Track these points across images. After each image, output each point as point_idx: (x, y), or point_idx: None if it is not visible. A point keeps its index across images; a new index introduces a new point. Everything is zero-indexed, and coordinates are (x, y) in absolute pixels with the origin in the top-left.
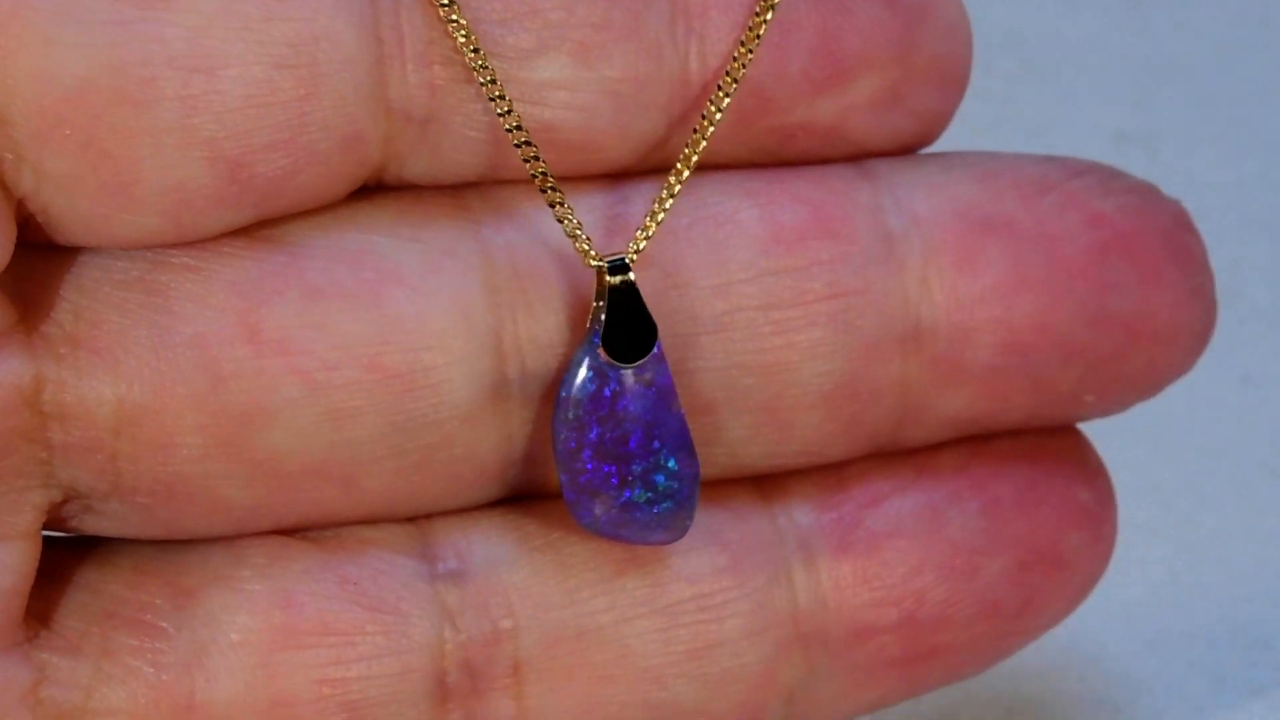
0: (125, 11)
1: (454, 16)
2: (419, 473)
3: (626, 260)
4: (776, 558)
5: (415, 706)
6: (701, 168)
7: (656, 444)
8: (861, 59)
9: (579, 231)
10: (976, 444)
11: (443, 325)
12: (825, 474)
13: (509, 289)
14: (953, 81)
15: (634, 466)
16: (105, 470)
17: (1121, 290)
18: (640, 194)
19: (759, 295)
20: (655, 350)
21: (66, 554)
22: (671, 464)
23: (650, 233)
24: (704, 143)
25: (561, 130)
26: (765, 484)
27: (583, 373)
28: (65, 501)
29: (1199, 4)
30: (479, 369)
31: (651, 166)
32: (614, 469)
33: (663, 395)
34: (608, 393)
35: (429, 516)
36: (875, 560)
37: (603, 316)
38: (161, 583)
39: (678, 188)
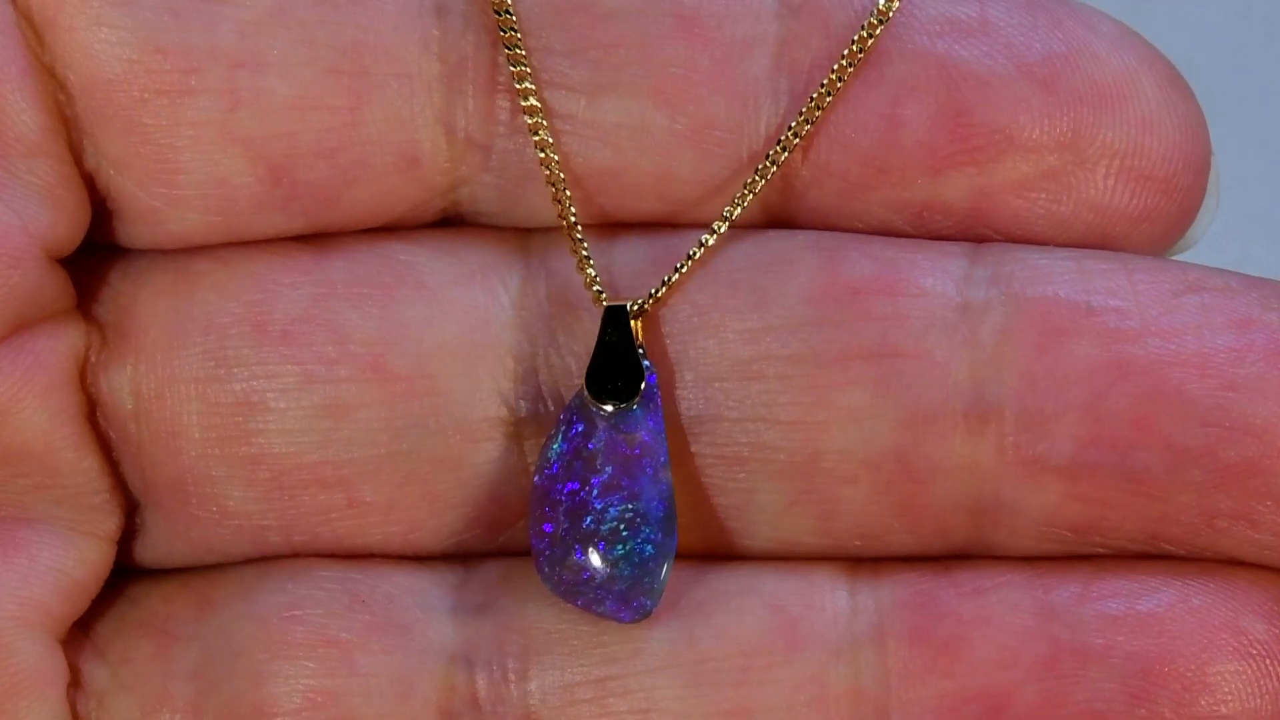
0: (179, 2)
1: (514, 44)
2: (425, 489)
3: (628, 305)
4: (842, 633)
5: None
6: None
7: (628, 509)
8: (1002, 137)
9: (590, 272)
10: (1127, 560)
11: (453, 336)
12: (933, 564)
13: (540, 317)
14: (1149, 180)
15: (595, 527)
16: (136, 466)
17: (1257, 396)
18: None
19: (794, 345)
20: (643, 399)
21: (127, 575)
22: (641, 534)
23: (670, 281)
24: (748, 198)
25: (629, 174)
26: (860, 565)
27: (565, 414)
28: (130, 516)
29: (1199, 4)
30: (490, 387)
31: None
32: (572, 526)
33: (645, 456)
34: (581, 439)
35: (475, 557)
36: (955, 649)
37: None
38: (192, 596)
39: (711, 240)
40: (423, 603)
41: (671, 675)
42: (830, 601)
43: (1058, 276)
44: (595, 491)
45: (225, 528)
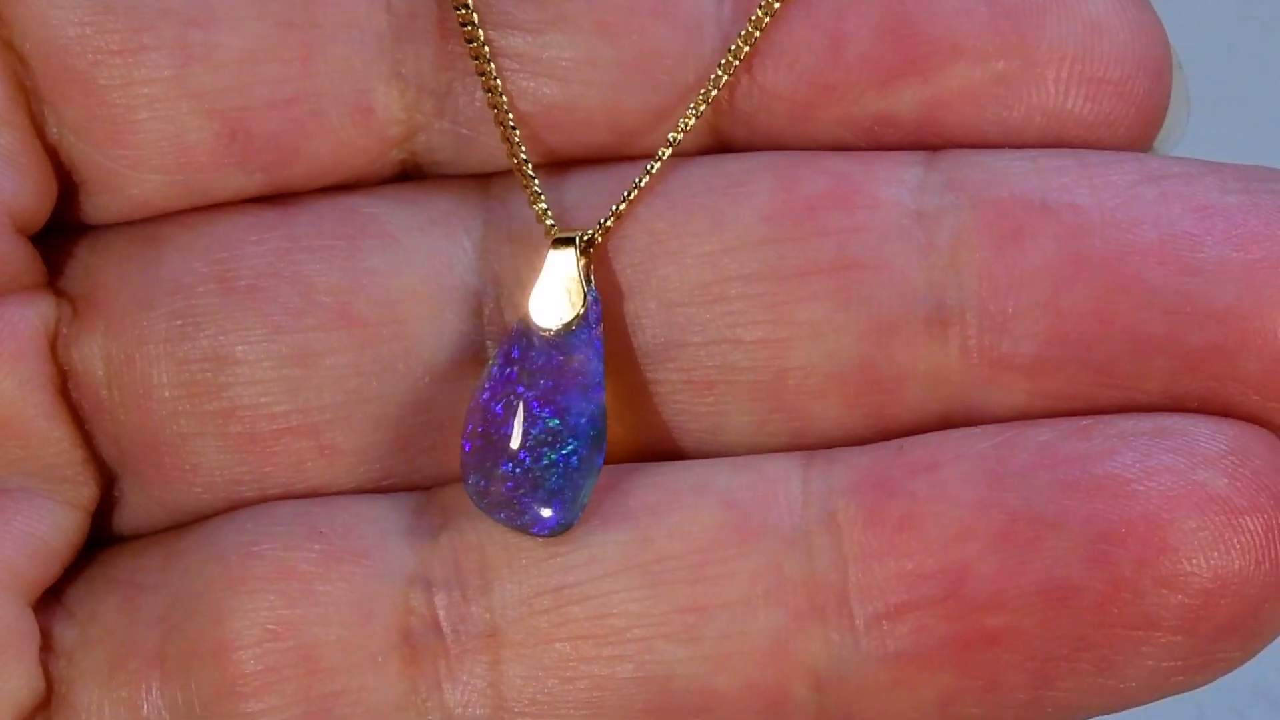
0: None
1: None
2: (396, 433)
3: (576, 235)
4: (795, 521)
5: (378, 662)
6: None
7: (555, 422)
8: (947, 45)
9: (541, 206)
10: (1083, 420)
11: (418, 281)
12: (887, 444)
13: (504, 258)
14: (1102, 83)
15: (522, 439)
16: (111, 434)
17: (1221, 280)
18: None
19: (753, 264)
20: (583, 322)
21: (99, 544)
22: (567, 446)
23: (618, 210)
24: (692, 123)
25: (579, 108)
26: (816, 453)
27: (508, 338)
28: (107, 487)
29: (1199, 4)
30: (456, 329)
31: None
32: (502, 436)
33: (580, 375)
34: (516, 354)
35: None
36: (910, 527)
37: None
38: (162, 550)
39: (655, 167)
40: (379, 529)
41: (627, 578)
42: (783, 491)
43: (1013, 177)
44: (525, 405)
45: (199, 485)
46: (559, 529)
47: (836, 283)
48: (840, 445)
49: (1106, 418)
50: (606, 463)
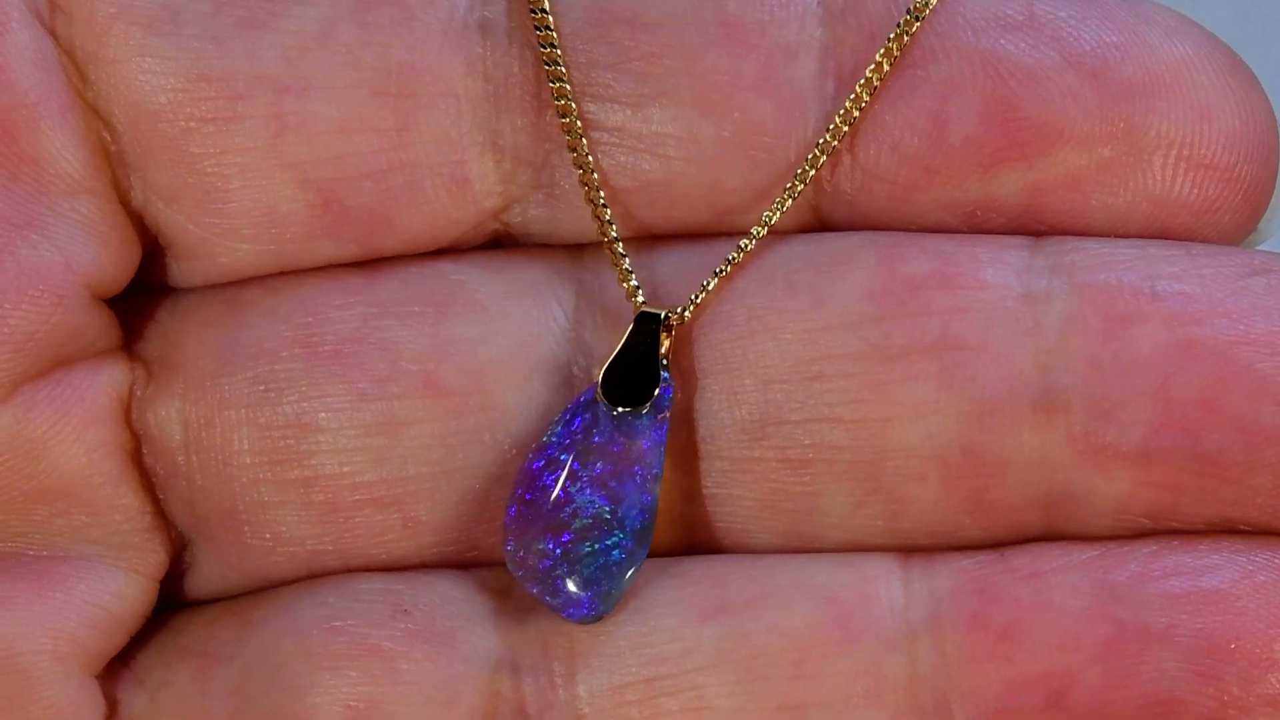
0: (222, 28)
1: (554, 59)
2: (481, 506)
3: (661, 313)
4: (897, 622)
5: None
6: None
7: (606, 510)
8: (1052, 130)
9: (633, 284)
10: (1199, 535)
11: (506, 350)
12: (988, 549)
13: (595, 330)
14: (1209, 169)
15: (567, 519)
16: (186, 499)
17: None
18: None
19: (854, 342)
20: (652, 407)
21: (170, 609)
22: (612, 537)
23: (708, 287)
24: (787, 204)
25: (677, 185)
26: (914, 553)
27: (572, 405)
28: (178, 552)
29: (1200, 5)
30: (545, 400)
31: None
32: (548, 511)
33: (638, 464)
34: (578, 426)
35: None
36: (1015, 633)
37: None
38: (234, 618)
39: (750, 245)
40: (466, 610)
41: (723, 672)
42: (885, 591)
43: (1120, 263)
44: (579, 485)
45: (279, 555)
46: (590, 619)
47: (940, 363)
48: (938, 530)
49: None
50: (699, 549)
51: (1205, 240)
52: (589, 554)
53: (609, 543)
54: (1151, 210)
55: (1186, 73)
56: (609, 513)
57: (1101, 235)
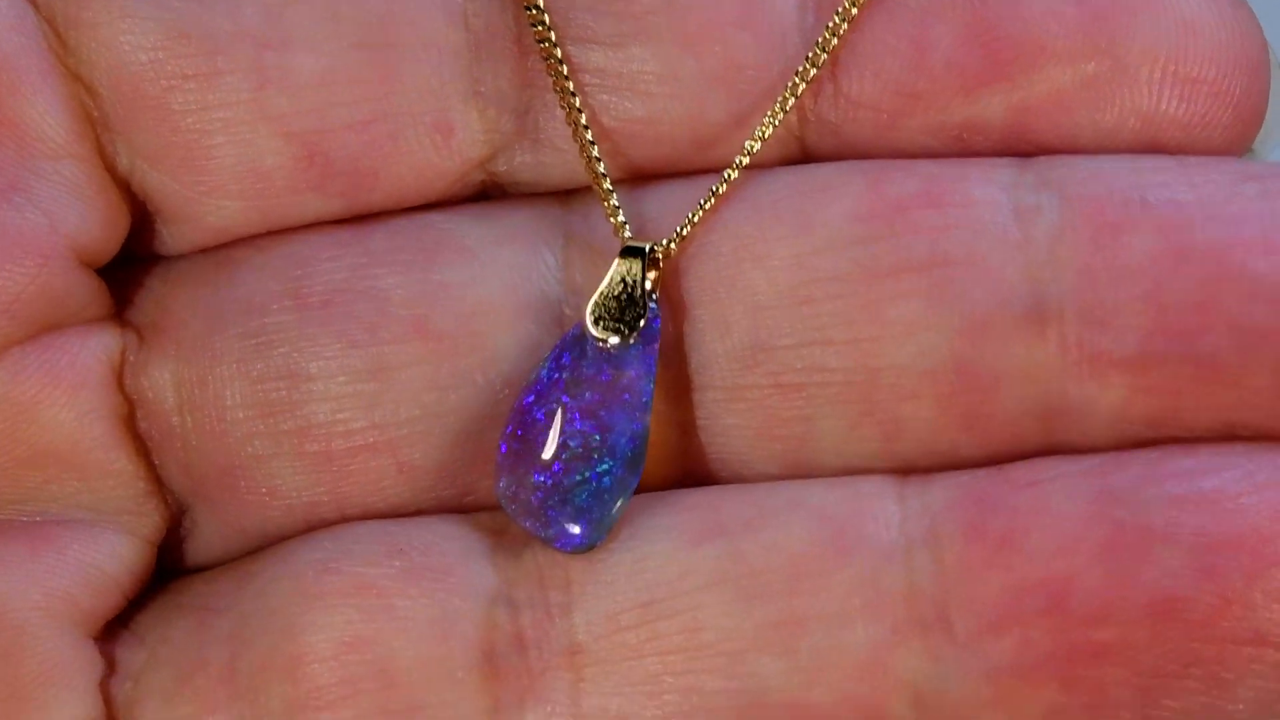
0: None
1: (534, 3)
2: (475, 448)
3: (646, 246)
4: (892, 535)
5: (458, 678)
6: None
7: (595, 438)
8: (1034, 48)
9: (620, 219)
10: (1188, 443)
11: (495, 293)
12: (985, 465)
13: (586, 269)
14: (1197, 84)
15: (559, 449)
16: (182, 460)
17: None
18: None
19: (842, 264)
20: (640, 338)
21: (170, 575)
22: (603, 464)
23: (693, 220)
24: (768, 133)
25: (662, 122)
26: (911, 473)
27: (561, 341)
28: (177, 519)
29: None
30: (537, 339)
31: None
32: (538, 444)
33: (628, 393)
34: (567, 360)
35: None
36: (1014, 540)
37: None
38: (235, 574)
39: (733, 175)
40: (462, 548)
41: (719, 591)
42: (880, 507)
43: (1109, 175)
44: (568, 416)
45: (276, 509)
46: (583, 547)
47: (929, 280)
48: (935, 449)
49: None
50: (696, 480)
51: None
52: (579, 483)
53: (599, 470)
54: (1140, 127)
55: None
56: (598, 441)
57: (1090, 154)
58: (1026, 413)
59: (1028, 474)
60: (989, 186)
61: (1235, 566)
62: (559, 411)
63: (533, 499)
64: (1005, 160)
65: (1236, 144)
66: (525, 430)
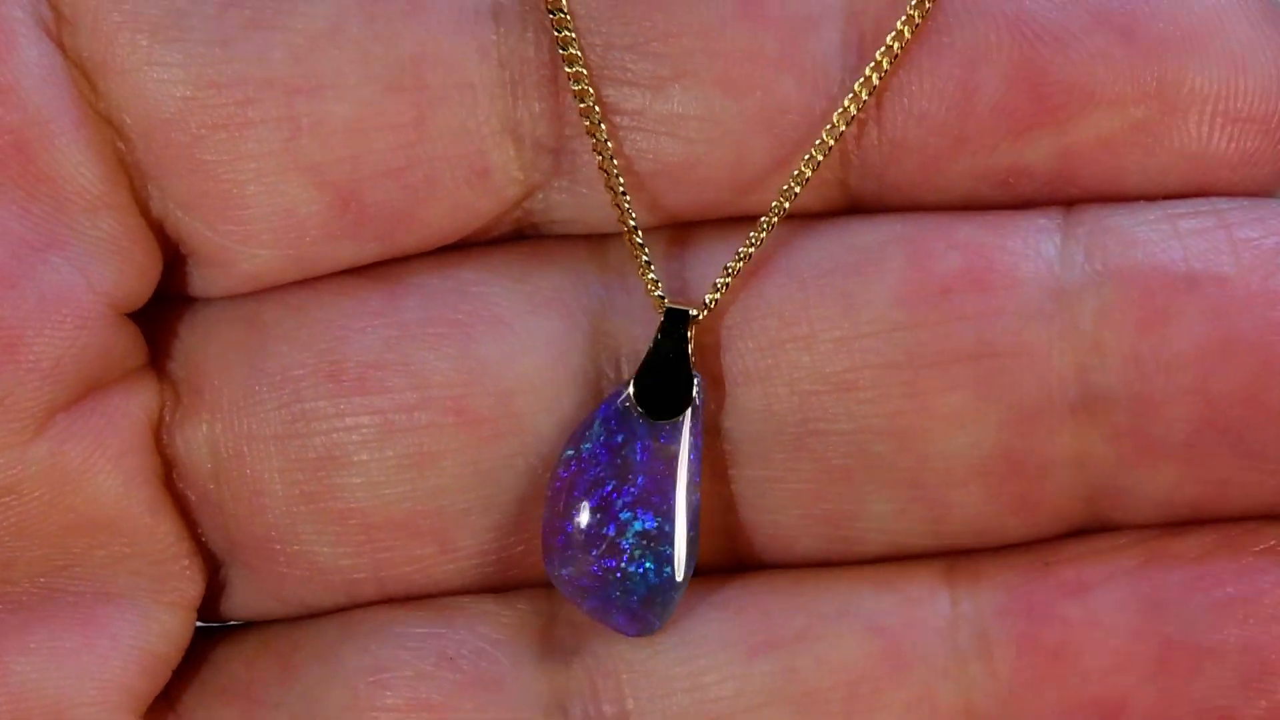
0: (229, 31)
1: (569, 43)
2: (519, 532)
3: (689, 311)
4: (947, 648)
5: None
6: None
7: (655, 525)
8: (1082, 92)
9: (652, 277)
10: (1232, 530)
11: (535, 370)
12: (1029, 553)
13: (616, 339)
14: (1245, 122)
15: (619, 537)
16: (219, 526)
17: None
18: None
19: (889, 351)
20: (690, 413)
21: (204, 639)
22: (665, 548)
23: (728, 281)
24: (805, 180)
25: (701, 166)
26: (958, 562)
27: (602, 413)
28: (212, 576)
29: None
30: (574, 417)
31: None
32: (596, 530)
33: (679, 471)
34: (616, 443)
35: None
36: (1067, 655)
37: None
38: (275, 658)
39: (763, 236)
40: (511, 653)
41: (775, 712)
42: (931, 614)
43: (1153, 245)
44: (626, 501)
45: (315, 582)
46: (645, 632)
47: (977, 371)
48: (982, 530)
49: (1251, 526)
50: (738, 556)
51: (1240, 194)
52: (645, 572)
53: (662, 553)
54: (1189, 168)
55: (1219, 23)
56: (657, 524)
57: (1137, 198)
58: (1074, 497)
59: (1076, 576)
60: (1034, 262)
61: (1277, 678)
62: (615, 493)
63: (595, 585)
64: (1048, 220)
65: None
66: (577, 511)
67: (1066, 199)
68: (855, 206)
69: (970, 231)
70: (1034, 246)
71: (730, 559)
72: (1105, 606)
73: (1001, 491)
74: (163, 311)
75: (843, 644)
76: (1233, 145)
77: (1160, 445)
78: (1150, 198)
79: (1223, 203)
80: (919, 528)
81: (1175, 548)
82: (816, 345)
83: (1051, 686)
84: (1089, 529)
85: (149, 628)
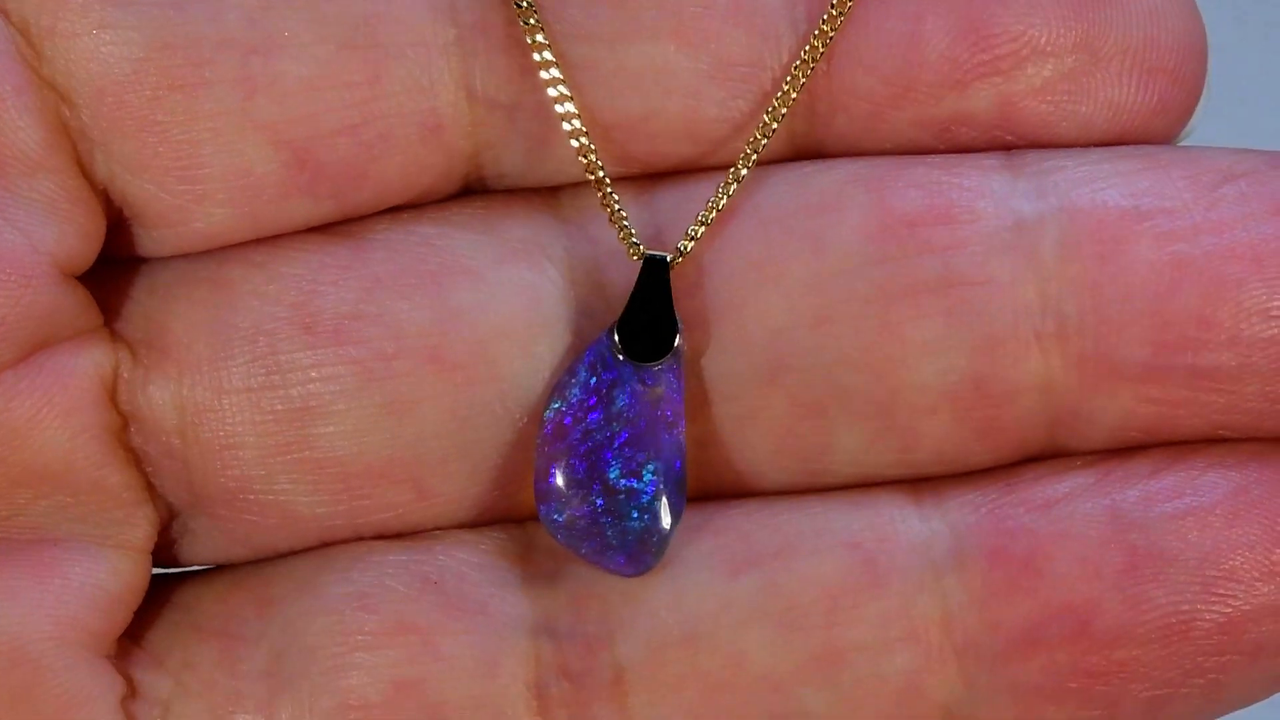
0: None
1: None
2: (495, 475)
3: (668, 256)
4: (922, 562)
5: (506, 713)
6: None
7: (649, 466)
8: (1023, 43)
9: (625, 225)
10: (1181, 449)
11: (508, 317)
12: (992, 475)
13: (586, 284)
14: (1159, 72)
15: (610, 475)
16: (182, 479)
17: None
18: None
19: (859, 285)
20: (673, 356)
21: (170, 581)
22: (656, 488)
23: (703, 228)
24: (765, 133)
25: (657, 119)
26: (921, 486)
27: (586, 359)
28: (169, 522)
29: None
30: (550, 364)
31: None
32: (588, 474)
33: (667, 412)
34: (604, 387)
35: (530, 520)
36: (1037, 565)
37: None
38: (249, 594)
39: (734, 185)
40: (494, 578)
41: (760, 625)
42: (904, 530)
43: (1099, 181)
44: (617, 444)
45: (289, 529)
46: (643, 570)
47: (946, 300)
48: (948, 458)
49: (1200, 445)
50: (711, 491)
51: (1151, 140)
52: (636, 507)
53: (654, 494)
54: (1110, 116)
55: None
56: (650, 465)
57: (1067, 144)
58: (1037, 422)
59: (1041, 492)
60: (990, 198)
61: (1236, 586)
62: (606, 436)
63: (589, 526)
64: (992, 160)
65: (1181, 123)
66: (569, 456)
67: (1003, 145)
68: (799, 155)
69: (925, 171)
70: (988, 184)
71: (705, 492)
72: (1071, 518)
73: (969, 418)
74: (116, 274)
75: (821, 560)
76: (1146, 94)
77: (1119, 369)
78: (1078, 145)
79: (1149, 148)
80: (889, 457)
81: (1129, 466)
82: (788, 283)
83: (1024, 595)
84: (1045, 456)
85: (99, 567)
